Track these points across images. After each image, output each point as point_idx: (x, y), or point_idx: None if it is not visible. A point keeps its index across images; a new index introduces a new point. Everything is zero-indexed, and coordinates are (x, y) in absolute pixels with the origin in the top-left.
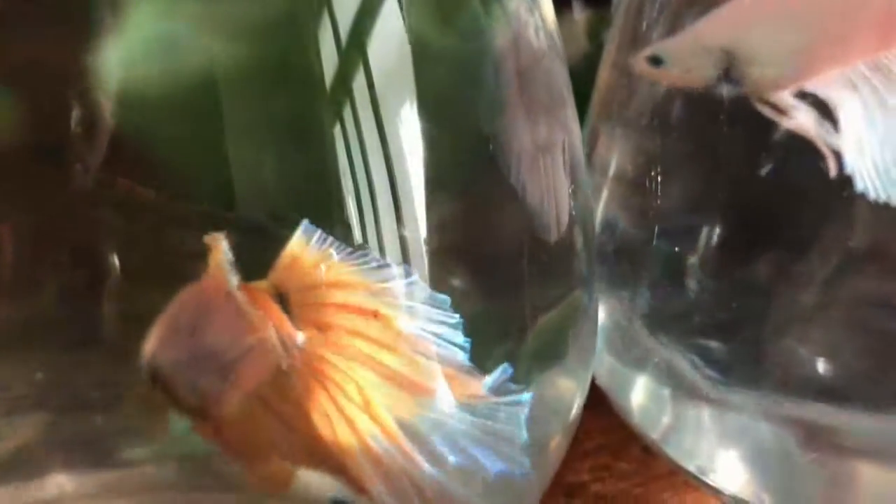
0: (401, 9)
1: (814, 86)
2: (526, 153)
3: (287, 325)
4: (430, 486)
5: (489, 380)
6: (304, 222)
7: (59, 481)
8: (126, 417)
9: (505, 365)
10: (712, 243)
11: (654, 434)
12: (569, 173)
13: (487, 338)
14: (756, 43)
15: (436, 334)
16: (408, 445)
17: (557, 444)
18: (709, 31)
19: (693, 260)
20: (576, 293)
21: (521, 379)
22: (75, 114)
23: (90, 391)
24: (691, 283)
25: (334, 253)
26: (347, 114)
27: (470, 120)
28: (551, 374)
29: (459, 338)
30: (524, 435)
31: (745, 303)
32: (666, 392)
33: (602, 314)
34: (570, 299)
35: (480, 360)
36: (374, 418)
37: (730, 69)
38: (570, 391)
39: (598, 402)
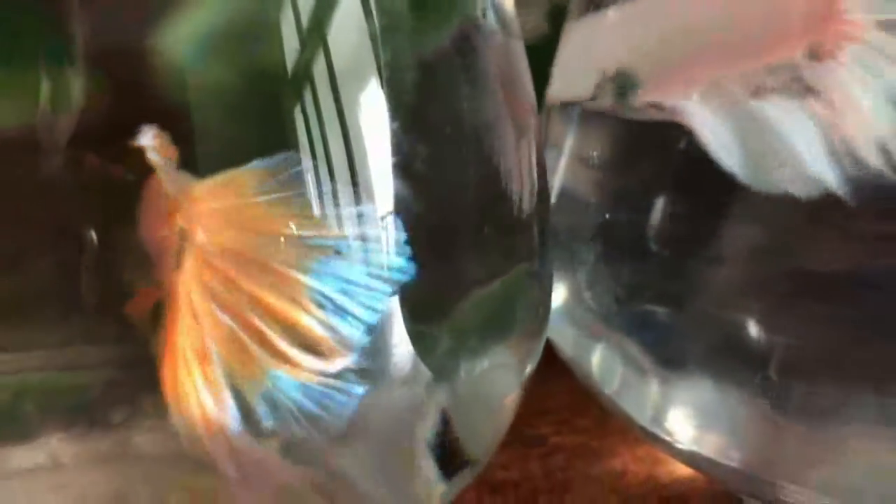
0: None
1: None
2: (491, 130)
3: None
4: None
5: (336, 363)
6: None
7: (51, 446)
8: (120, 385)
9: (354, 354)
10: (658, 221)
11: (609, 391)
12: (530, 149)
13: (437, 306)
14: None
15: (338, 306)
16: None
17: (512, 399)
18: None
19: (637, 238)
20: (528, 263)
21: (472, 346)
22: (49, 91)
23: (82, 358)
24: (634, 260)
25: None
26: (308, 92)
27: (430, 96)
28: (504, 339)
29: (364, 312)
30: (342, 427)
31: (687, 279)
32: (618, 367)
33: (563, 289)
34: (521, 268)
35: (428, 330)
36: (207, 372)
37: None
38: (522, 354)
39: (562, 365)
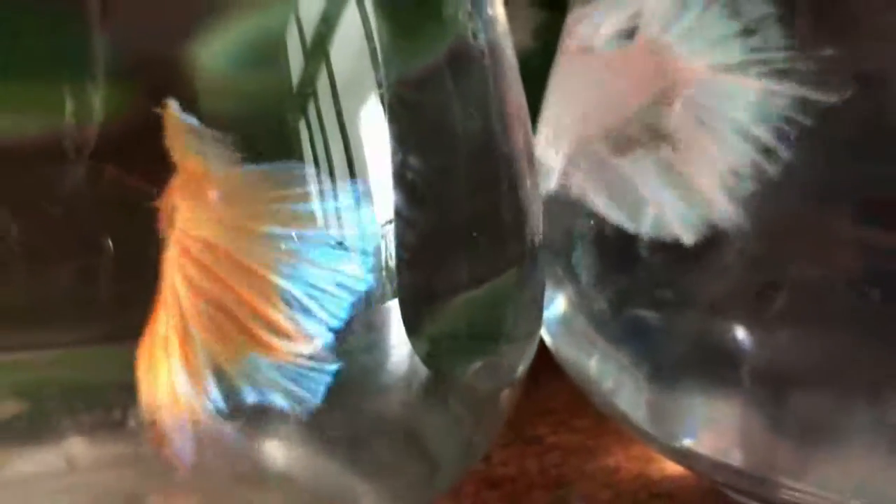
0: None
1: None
2: (483, 142)
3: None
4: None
5: (314, 344)
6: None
7: (68, 445)
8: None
9: (329, 335)
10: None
11: (606, 395)
12: (522, 160)
13: (431, 309)
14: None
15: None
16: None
17: (507, 395)
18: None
19: (627, 246)
20: (519, 267)
21: (466, 346)
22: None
23: (101, 358)
24: (626, 268)
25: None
26: (311, 106)
27: (422, 111)
28: (496, 340)
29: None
30: (317, 401)
31: (679, 287)
32: (614, 372)
33: (561, 298)
34: (512, 272)
35: (423, 331)
36: (188, 357)
37: None
38: (515, 354)
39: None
